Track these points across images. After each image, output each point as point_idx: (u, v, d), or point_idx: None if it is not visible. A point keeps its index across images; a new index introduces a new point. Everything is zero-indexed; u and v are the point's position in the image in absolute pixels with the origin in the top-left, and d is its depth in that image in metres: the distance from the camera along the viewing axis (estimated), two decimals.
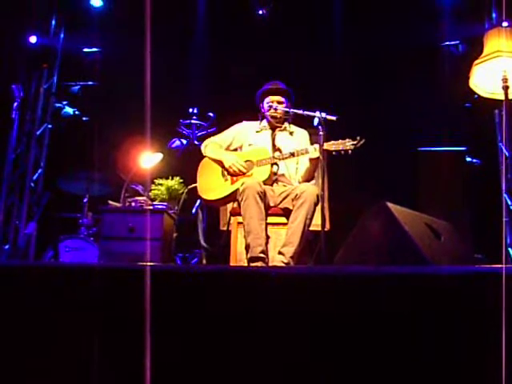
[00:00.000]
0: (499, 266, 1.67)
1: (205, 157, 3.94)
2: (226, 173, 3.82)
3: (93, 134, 5.01)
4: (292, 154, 3.69)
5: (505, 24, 3.70)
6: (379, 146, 5.03)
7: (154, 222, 4.29)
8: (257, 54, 5.79)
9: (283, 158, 3.74)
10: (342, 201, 4.69)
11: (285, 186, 3.77)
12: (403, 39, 5.63)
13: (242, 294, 1.71)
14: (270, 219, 3.62)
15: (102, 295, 1.71)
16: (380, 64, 5.78)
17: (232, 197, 3.70)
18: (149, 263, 1.79)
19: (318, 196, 3.43)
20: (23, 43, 5.79)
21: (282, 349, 1.64)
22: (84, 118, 5.88)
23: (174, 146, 5.04)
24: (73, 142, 5.73)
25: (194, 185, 4.10)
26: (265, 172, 3.70)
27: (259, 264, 3.36)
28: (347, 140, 3.47)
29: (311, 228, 3.52)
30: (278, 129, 3.98)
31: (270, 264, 3.44)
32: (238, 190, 3.57)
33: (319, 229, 3.33)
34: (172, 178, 4.85)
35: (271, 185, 3.74)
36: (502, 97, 3.25)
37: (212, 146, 3.95)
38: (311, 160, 3.66)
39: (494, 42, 3.29)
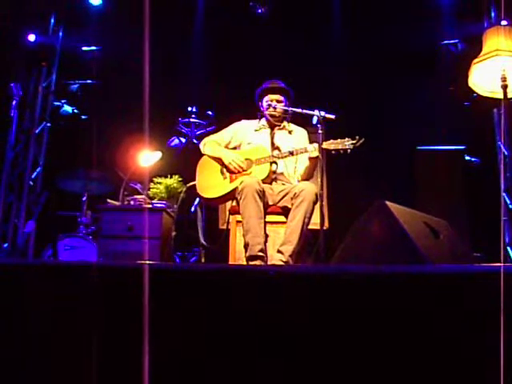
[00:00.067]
0: (498, 264, 1.67)
1: (204, 155, 3.94)
2: (224, 171, 3.82)
3: (91, 133, 5.00)
4: (291, 153, 3.69)
5: (504, 23, 3.71)
6: (378, 144, 5.04)
7: (153, 221, 4.29)
8: (256, 52, 5.78)
9: (282, 157, 3.74)
10: (341, 199, 4.69)
11: (284, 184, 3.78)
12: (402, 38, 5.63)
13: (240, 293, 1.71)
14: (269, 218, 3.62)
15: (101, 294, 1.71)
16: (379, 63, 5.77)
17: (231, 195, 3.70)
18: (148, 262, 1.79)
19: (316, 195, 3.43)
20: (22, 41, 5.79)
21: (281, 347, 1.64)
22: (83, 117, 5.89)
23: (172, 144, 5.04)
24: (71, 140, 5.73)
25: (192, 183, 4.10)
26: (264, 170, 3.71)
27: (258, 263, 3.36)
28: (346, 139, 3.47)
29: (310, 226, 3.53)
30: (277, 127, 3.98)
31: (269, 263, 3.45)
32: (236, 188, 3.57)
33: (318, 227, 3.33)
34: (171, 177, 4.85)
35: (270, 183, 3.74)
36: (500, 96, 3.25)
37: (211, 144, 3.95)
38: (310, 159, 3.66)
39: (492, 40, 3.29)
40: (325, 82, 5.74)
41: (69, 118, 5.87)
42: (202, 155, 3.95)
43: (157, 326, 1.55)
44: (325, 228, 3.33)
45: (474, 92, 3.54)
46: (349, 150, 3.45)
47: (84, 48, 6.19)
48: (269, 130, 3.98)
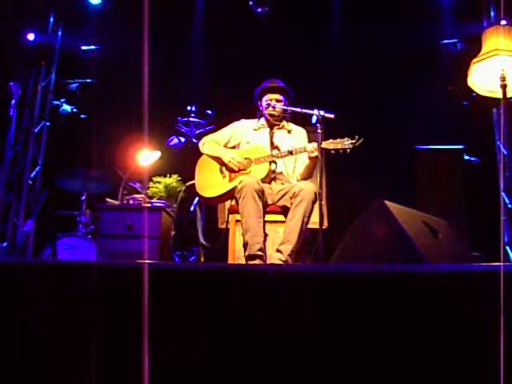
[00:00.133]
0: (497, 264, 1.67)
1: (203, 154, 3.94)
2: (224, 170, 3.82)
3: (91, 132, 4.99)
4: (290, 153, 3.69)
5: (503, 22, 3.70)
6: (377, 144, 5.04)
7: (152, 220, 4.29)
8: (255, 51, 5.78)
9: (281, 156, 3.74)
10: (340, 199, 4.69)
11: (283, 183, 3.78)
12: (402, 37, 5.63)
13: (239, 292, 1.71)
14: (268, 217, 3.62)
15: (100, 293, 1.71)
16: (378, 62, 5.78)
17: (230, 194, 3.70)
18: (147, 261, 1.79)
19: (316, 194, 3.42)
20: (21, 41, 5.79)
21: (280, 346, 1.64)
22: (82, 116, 5.87)
23: (172, 143, 5.04)
24: (71, 139, 5.73)
25: (192, 182, 4.10)
26: (263, 170, 3.71)
27: (257, 262, 3.36)
28: (346, 139, 3.47)
29: (309, 226, 3.52)
30: (276, 127, 3.98)
31: (268, 262, 3.45)
32: (236, 187, 3.57)
33: (317, 226, 3.33)
34: (170, 176, 4.85)
35: (269, 183, 3.74)
36: (499, 95, 3.25)
37: (210, 144, 3.95)
38: (310, 158, 3.66)
39: (492, 40, 3.29)
40: (324, 82, 5.74)
41: (68, 117, 5.87)
42: (201, 154, 3.95)
43: (156, 325, 1.55)
44: (324, 227, 3.32)
45: (474, 92, 3.54)
46: (348, 150, 3.46)
47: (83, 47, 6.19)
48: (268, 130, 3.98)
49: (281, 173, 3.83)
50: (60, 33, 6.16)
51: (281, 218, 3.62)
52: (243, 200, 3.45)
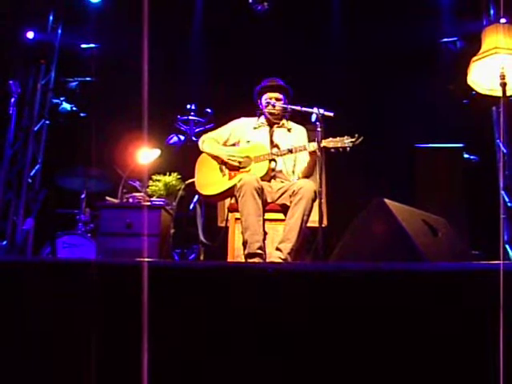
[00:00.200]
0: (496, 262, 1.67)
1: (202, 152, 3.94)
2: (223, 168, 3.82)
3: (90, 130, 4.99)
4: (290, 151, 3.69)
5: (503, 21, 3.70)
6: (377, 142, 5.04)
7: (152, 218, 4.29)
8: (255, 50, 5.78)
9: (281, 155, 3.74)
10: (340, 197, 4.69)
11: (282, 182, 3.78)
12: (401, 36, 5.63)
13: (239, 290, 1.71)
14: (268, 215, 3.62)
15: (100, 291, 1.71)
16: (378, 61, 5.77)
17: (230, 192, 3.70)
18: (146, 259, 1.79)
19: (315, 192, 3.42)
20: (21, 39, 5.79)
21: (280, 345, 1.64)
22: (81, 114, 5.88)
23: (171, 142, 5.04)
24: (70, 138, 5.73)
25: (191, 180, 4.10)
26: (262, 168, 3.70)
27: (257, 260, 3.36)
28: (345, 137, 3.48)
29: (309, 224, 3.52)
30: (276, 125, 3.98)
31: (268, 260, 3.45)
32: (235, 185, 3.57)
33: (317, 225, 3.33)
34: (170, 174, 4.85)
35: (269, 181, 3.74)
36: (499, 93, 3.25)
37: (209, 142, 3.95)
38: (310, 154, 3.64)
39: (491, 38, 3.29)
40: (324, 80, 5.74)
41: (67, 115, 5.87)
42: (200, 153, 3.95)
43: (156, 323, 1.55)
44: (323, 226, 3.33)
45: (473, 90, 3.54)
46: (348, 149, 3.46)
47: (83, 45, 6.19)
48: (268, 128, 3.98)
49: (280, 171, 3.83)
50: (60, 31, 6.15)
51: (280, 216, 3.62)
52: (243, 198, 3.45)
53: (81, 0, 6.11)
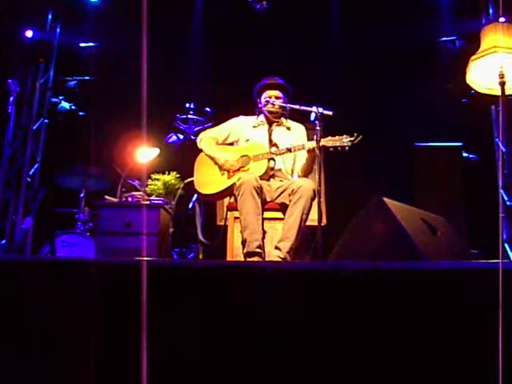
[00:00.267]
0: (495, 261, 1.67)
1: (202, 151, 3.94)
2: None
3: (89, 129, 4.99)
4: (289, 150, 3.69)
5: (502, 20, 3.70)
6: (376, 141, 5.04)
7: (151, 217, 4.29)
8: (254, 49, 5.78)
9: (280, 154, 3.73)
10: (339, 196, 4.70)
11: (281, 181, 3.77)
12: (400, 35, 5.63)
13: (238, 289, 1.71)
14: (267, 214, 3.62)
15: (99, 290, 1.71)
16: (377, 60, 5.77)
17: (229, 191, 3.70)
18: (145, 258, 1.79)
19: (314, 191, 3.42)
20: (19, 38, 5.78)
21: (279, 344, 1.64)
22: (80, 113, 5.88)
23: (170, 140, 5.04)
24: (69, 136, 5.73)
25: (190, 179, 4.10)
26: (261, 167, 3.70)
27: (256, 259, 3.36)
28: (344, 136, 3.48)
29: (308, 223, 3.52)
30: (275, 124, 3.98)
31: (267, 259, 3.45)
32: (234, 184, 3.56)
33: (316, 224, 3.32)
34: (169, 173, 4.85)
35: (268, 180, 3.74)
36: (498, 92, 3.25)
37: (207, 141, 3.94)
38: (308, 152, 3.64)
39: (490, 37, 3.29)
40: (323, 79, 5.74)
41: (66, 114, 5.87)
42: (199, 151, 3.94)
43: (155, 322, 1.55)
44: (322, 224, 3.33)
45: (472, 89, 3.54)
46: (347, 147, 3.46)
47: (82, 44, 6.18)
48: (267, 127, 3.97)
49: (279, 170, 3.83)
50: (58, 30, 6.14)
51: (279, 215, 3.62)
52: (242, 197, 3.44)
53: None
